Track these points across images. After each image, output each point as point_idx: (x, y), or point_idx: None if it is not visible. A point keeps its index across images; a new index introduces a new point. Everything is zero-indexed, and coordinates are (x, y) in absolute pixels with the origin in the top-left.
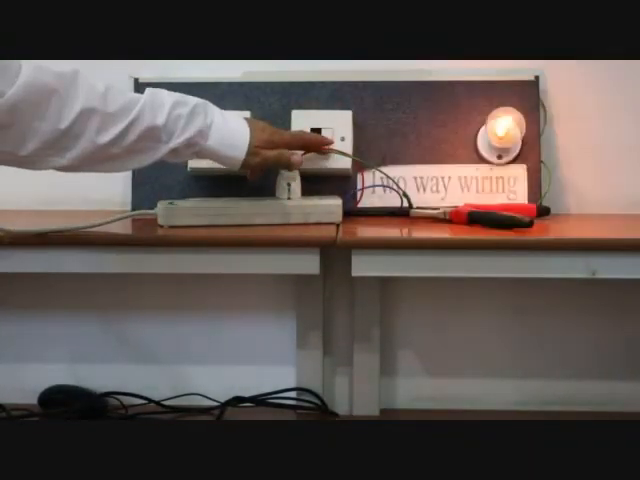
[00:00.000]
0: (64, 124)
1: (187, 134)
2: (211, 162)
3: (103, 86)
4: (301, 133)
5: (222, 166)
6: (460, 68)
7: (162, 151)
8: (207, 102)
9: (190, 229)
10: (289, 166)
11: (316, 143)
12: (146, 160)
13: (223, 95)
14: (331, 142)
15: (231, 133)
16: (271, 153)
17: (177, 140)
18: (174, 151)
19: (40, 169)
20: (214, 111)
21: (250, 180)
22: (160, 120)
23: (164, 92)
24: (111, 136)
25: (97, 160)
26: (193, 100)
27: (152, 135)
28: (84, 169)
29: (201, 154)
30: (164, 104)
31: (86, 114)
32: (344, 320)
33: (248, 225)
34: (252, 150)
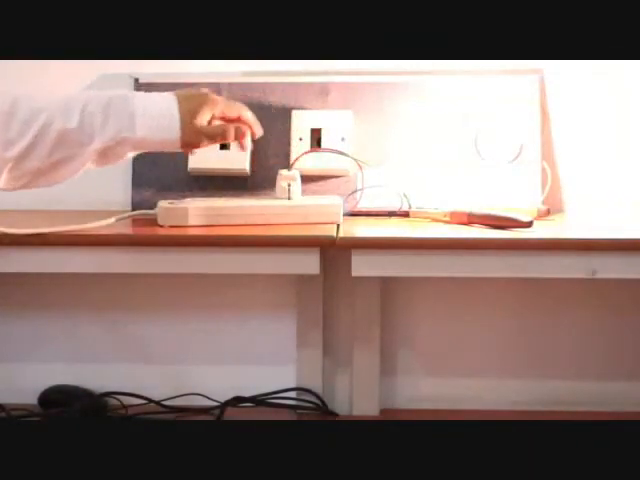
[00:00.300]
0: None
1: (110, 131)
2: (211, 162)
3: (10, 99)
4: (236, 109)
5: (157, 148)
6: (460, 68)
7: (87, 156)
8: (126, 91)
9: (190, 229)
10: (228, 140)
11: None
12: (75, 169)
13: (223, 95)
14: (255, 136)
15: (158, 116)
16: (216, 131)
17: (100, 139)
18: (104, 152)
19: None
20: (135, 98)
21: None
22: (72, 123)
23: (77, 94)
24: (20, 149)
25: (20, 177)
26: (108, 94)
27: (68, 140)
28: (16, 188)
29: (137, 146)
30: (75, 105)
31: None
32: (344, 320)
33: (248, 225)
34: (187, 126)
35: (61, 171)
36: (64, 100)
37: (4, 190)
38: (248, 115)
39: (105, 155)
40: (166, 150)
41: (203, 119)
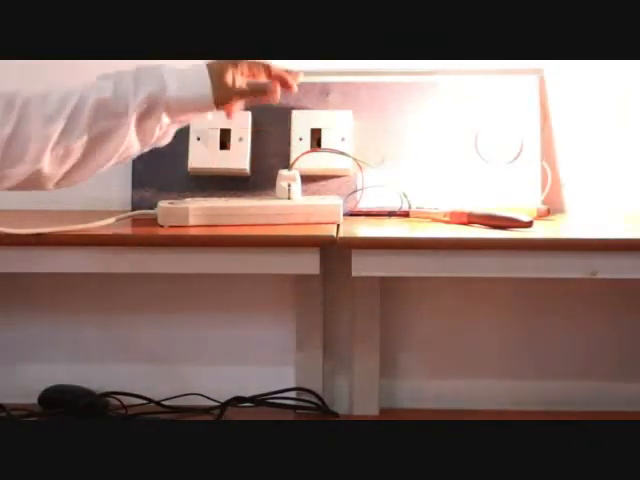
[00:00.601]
0: (6, 130)
1: (142, 94)
2: (211, 162)
3: (41, 87)
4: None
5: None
6: (460, 68)
7: (128, 123)
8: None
9: (190, 229)
10: (267, 97)
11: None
12: (117, 142)
13: None
14: (292, 87)
15: (188, 74)
16: (243, 83)
17: (135, 103)
18: (141, 120)
19: (18, 188)
20: (163, 64)
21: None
22: (108, 92)
23: (106, 72)
24: (60, 124)
25: (64, 159)
26: (136, 65)
27: (106, 110)
28: (60, 177)
29: (172, 108)
30: (107, 79)
31: (24, 110)
32: (344, 320)
33: (248, 225)
34: (216, 83)
35: (104, 149)
36: (92, 79)
37: (48, 180)
38: (277, 70)
39: (143, 126)
40: (201, 112)
41: (230, 78)
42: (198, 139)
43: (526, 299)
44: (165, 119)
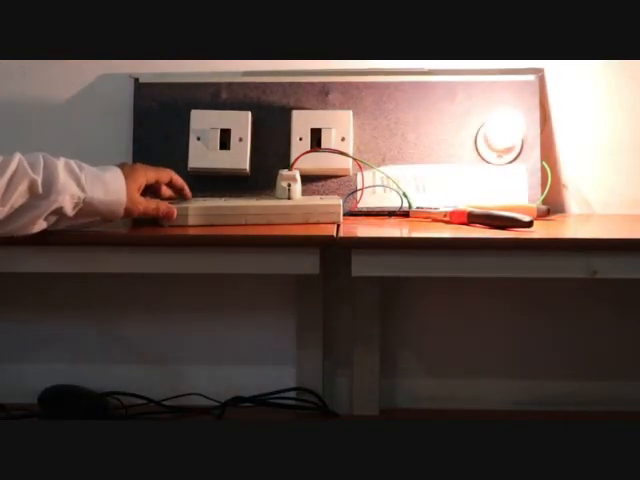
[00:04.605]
0: None
1: (68, 189)
2: (211, 162)
3: None
4: (163, 174)
5: (104, 219)
6: (460, 68)
7: (44, 208)
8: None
9: (190, 229)
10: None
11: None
12: (28, 219)
13: (223, 95)
14: (188, 196)
15: (108, 180)
16: (150, 205)
17: (58, 196)
18: (59, 210)
19: None
20: (84, 164)
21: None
22: (37, 174)
23: (35, 153)
24: None
25: None
26: (60, 158)
27: (31, 190)
28: None
29: (84, 209)
30: (38, 160)
31: None
32: (344, 320)
33: (248, 225)
34: (132, 197)
35: (17, 219)
36: (24, 155)
37: None
38: (177, 178)
39: (59, 215)
40: (106, 218)
41: (140, 189)
42: (198, 139)
43: (526, 299)
44: (72, 220)
